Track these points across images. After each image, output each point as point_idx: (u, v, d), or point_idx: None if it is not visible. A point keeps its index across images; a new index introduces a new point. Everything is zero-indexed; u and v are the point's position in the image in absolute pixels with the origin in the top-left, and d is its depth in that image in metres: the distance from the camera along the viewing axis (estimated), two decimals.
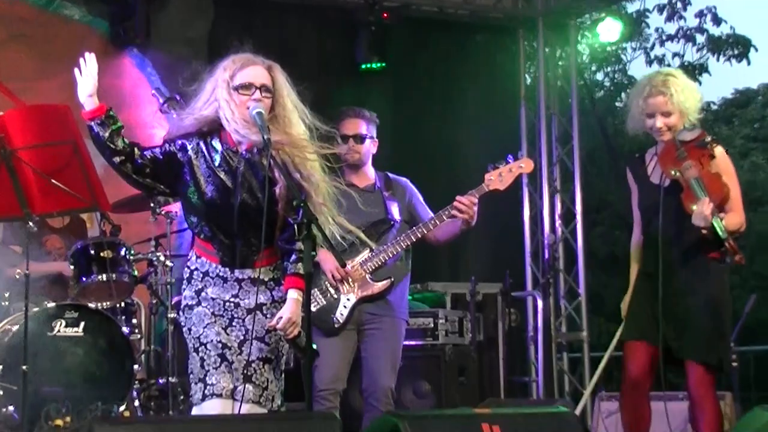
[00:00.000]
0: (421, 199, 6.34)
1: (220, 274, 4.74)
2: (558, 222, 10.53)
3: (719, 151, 5.49)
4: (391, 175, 6.38)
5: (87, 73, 4.66)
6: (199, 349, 4.69)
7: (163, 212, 7.41)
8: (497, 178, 6.01)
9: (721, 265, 5.46)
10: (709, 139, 5.48)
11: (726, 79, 19.78)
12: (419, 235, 6.09)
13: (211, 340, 4.67)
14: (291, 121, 4.72)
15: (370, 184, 6.27)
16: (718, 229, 5.23)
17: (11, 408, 6.42)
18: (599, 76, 20.04)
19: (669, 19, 18.90)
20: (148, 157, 4.70)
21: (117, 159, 4.65)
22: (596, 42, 11.52)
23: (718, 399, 5.62)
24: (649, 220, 5.60)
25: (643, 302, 5.57)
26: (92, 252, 7.10)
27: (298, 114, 4.76)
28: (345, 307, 6.03)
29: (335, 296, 6.04)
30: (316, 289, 5.99)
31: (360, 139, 6.23)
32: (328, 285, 6.03)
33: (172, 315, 7.32)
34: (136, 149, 4.68)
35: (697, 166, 5.39)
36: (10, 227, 7.09)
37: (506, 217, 10.11)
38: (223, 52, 4.84)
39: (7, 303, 7.00)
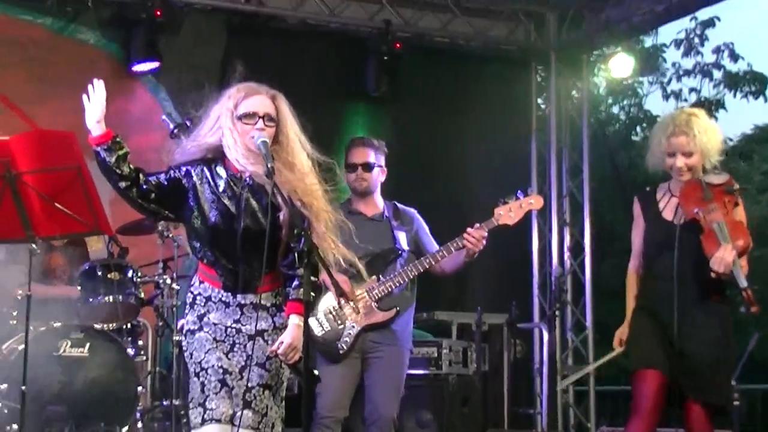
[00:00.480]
0: (427, 230, 6.38)
1: (223, 298, 4.76)
2: (567, 254, 10.55)
3: (740, 200, 5.51)
4: (399, 205, 6.42)
5: (95, 100, 4.69)
6: (200, 373, 4.70)
7: (170, 235, 7.47)
8: (507, 213, 6.05)
9: (727, 307, 5.48)
10: (737, 186, 5.48)
11: (742, 116, 19.80)
12: (426, 266, 6.13)
13: (212, 365, 4.69)
14: (294, 149, 4.76)
15: (378, 213, 6.31)
16: (737, 278, 5.24)
17: (15, 426, 6.45)
18: (615, 109, 20.07)
19: (686, 54, 18.95)
20: (153, 182, 4.73)
21: (123, 184, 4.68)
22: (608, 76, 11.54)
23: None
24: (656, 255, 5.58)
25: (650, 334, 5.52)
26: (99, 273, 7.17)
27: (300, 143, 4.80)
28: (350, 333, 6.06)
29: (340, 323, 6.07)
30: (321, 315, 6.03)
31: (368, 167, 6.27)
32: (335, 311, 6.07)
33: (177, 338, 7.34)
34: (141, 175, 4.71)
35: (722, 210, 5.39)
36: (15, 247, 7.14)
37: (514, 248, 10.12)
38: (235, 78, 4.87)
39: (15, 322, 7.04)
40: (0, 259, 7.34)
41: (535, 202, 6.15)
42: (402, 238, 6.26)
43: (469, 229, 5.99)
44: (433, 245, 6.27)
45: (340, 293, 4.76)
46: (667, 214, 5.58)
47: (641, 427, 5.46)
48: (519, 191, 6.13)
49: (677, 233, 5.47)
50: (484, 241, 5.98)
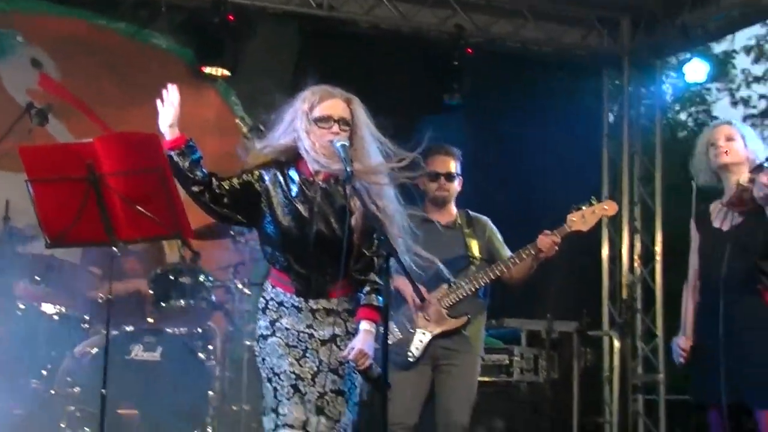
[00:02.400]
0: (500, 238, 6.33)
1: (295, 304, 4.75)
2: (637, 262, 10.42)
3: None
4: (471, 212, 6.38)
5: (168, 104, 4.73)
6: (273, 379, 4.70)
7: (242, 240, 7.46)
8: (580, 220, 6.01)
9: None
10: None
11: None
12: (498, 273, 6.08)
13: (285, 371, 4.68)
14: (369, 152, 4.76)
15: (451, 221, 6.27)
16: None
17: (87, 430, 6.49)
18: (682, 116, 19.83)
19: (756, 60, 18.67)
20: (226, 186, 4.74)
21: (196, 188, 4.70)
22: (680, 82, 11.37)
23: None
24: (707, 265, 5.50)
25: (702, 359, 5.47)
26: (171, 277, 7.18)
27: (377, 146, 4.79)
28: (420, 341, 6.02)
29: (411, 330, 6.03)
30: (392, 323, 5.98)
31: (451, 177, 6.26)
32: (404, 319, 6.03)
33: (248, 342, 7.35)
34: (214, 179, 4.72)
35: None
36: (89, 249, 7.17)
37: (584, 256, 10.02)
38: (308, 83, 4.86)
39: (87, 326, 7.08)
40: (74, 262, 7.39)
41: (609, 208, 6.10)
42: (474, 246, 6.22)
43: (541, 236, 5.95)
44: (507, 251, 6.23)
45: (422, 299, 4.72)
46: (717, 223, 5.51)
47: None
48: (592, 197, 6.08)
49: (727, 238, 5.37)
50: (556, 248, 5.94)
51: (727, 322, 5.26)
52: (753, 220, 5.35)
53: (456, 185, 6.28)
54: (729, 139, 5.46)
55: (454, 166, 6.27)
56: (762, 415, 5.31)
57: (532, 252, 5.98)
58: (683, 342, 5.58)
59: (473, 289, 6.07)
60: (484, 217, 6.39)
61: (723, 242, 5.39)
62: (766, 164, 5.21)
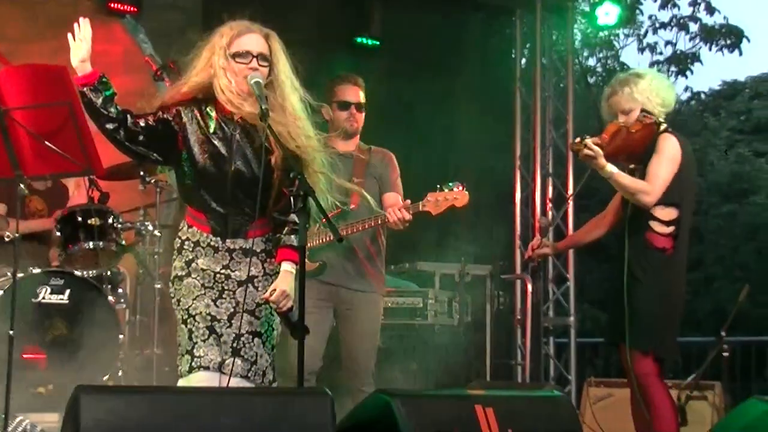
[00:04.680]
0: (396, 174, 6.12)
1: (212, 243, 4.66)
2: (549, 205, 10.44)
3: (665, 136, 5.51)
4: (374, 147, 6.20)
5: (81, 38, 4.56)
6: (188, 320, 4.61)
7: (152, 181, 7.31)
8: (434, 201, 5.75)
9: (657, 255, 5.47)
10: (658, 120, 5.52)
11: (718, 69, 19.74)
12: (349, 232, 5.86)
13: (200, 312, 4.60)
14: (286, 91, 4.68)
15: (349, 151, 6.06)
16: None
17: None
18: (591, 61, 19.95)
19: (663, 6, 18.83)
20: (142, 124, 4.61)
21: (110, 126, 4.56)
22: (590, 27, 11.40)
23: (664, 387, 5.54)
24: (622, 209, 5.72)
25: (614, 298, 5.64)
26: (80, 219, 6.98)
27: (293, 84, 4.70)
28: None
29: None
30: None
31: (361, 107, 6.09)
32: None
33: (158, 285, 7.23)
34: (129, 116, 4.59)
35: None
36: None
37: (498, 199, 10.04)
38: (218, 21, 4.76)
39: None
40: None
41: (459, 198, 5.82)
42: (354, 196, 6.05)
43: (391, 210, 5.76)
44: (391, 189, 6.05)
45: (339, 239, 4.64)
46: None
47: (631, 396, 5.62)
48: (457, 183, 5.89)
49: None
50: (406, 224, 5.74)
51: (627, 265, 5.47)
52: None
53: (363, 117, 6.10)
54: (625, 112, 5.56)
55: (362, 96, 6.09)
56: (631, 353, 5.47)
57: (380, 222, 5.82)
58: (536, 241, 6.00)
59: (327, 239, 5.87)
60: (386, 151, 6.19)
61: None
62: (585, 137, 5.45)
